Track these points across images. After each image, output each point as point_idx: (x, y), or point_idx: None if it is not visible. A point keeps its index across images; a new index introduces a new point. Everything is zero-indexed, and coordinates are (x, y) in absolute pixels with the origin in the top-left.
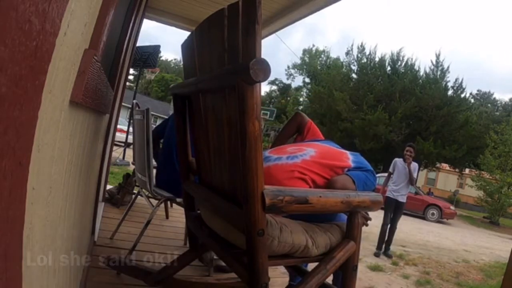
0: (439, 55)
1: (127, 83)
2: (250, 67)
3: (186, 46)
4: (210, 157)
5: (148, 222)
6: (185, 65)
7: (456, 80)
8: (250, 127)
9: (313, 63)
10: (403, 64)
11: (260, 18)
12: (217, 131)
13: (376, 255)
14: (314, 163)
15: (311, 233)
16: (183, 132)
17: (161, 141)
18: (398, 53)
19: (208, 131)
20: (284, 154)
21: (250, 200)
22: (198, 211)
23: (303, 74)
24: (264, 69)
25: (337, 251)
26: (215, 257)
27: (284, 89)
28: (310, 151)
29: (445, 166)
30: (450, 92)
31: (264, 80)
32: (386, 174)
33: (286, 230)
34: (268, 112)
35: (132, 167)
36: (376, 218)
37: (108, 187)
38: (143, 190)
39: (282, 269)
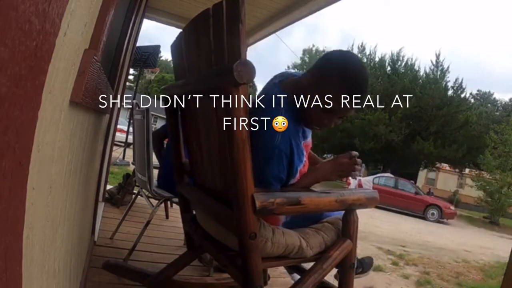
0: (439, 55)
1: (127, 83)
2: (234, 69)
3: (175, 47)
4: (202, 159)
5: (148, 222)
6: (175, 65)
7: (456, 80)
8: (237, 130)
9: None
10: (403, 64)
11: (244, 18)
12: (207, 133)
13: None
14: None
15: (302, 235)
16: (176, 134)
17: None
18: (398, 53)
19: (199, 133)
20: None
21: (241, 204)
22: (194, 213)
23: None
24: (249, 70)
25: (333, 249)
26: None
27: None
28: None
29: (445, 166)
30: (450, 92)
31: (249, 82)
32: (386, 174)
33: (278, 232)
34: None
35: (132, 167)
36: (374, 218)
37: (108, 187)
38: (143, 190)
39: (282, 269)
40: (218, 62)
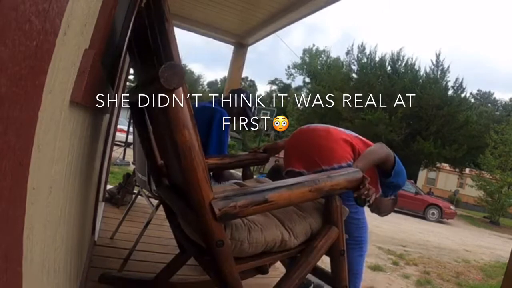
0: (439, 55)
1: (127, 83)
2: (160, 75)
3: (130, 50)
4: (169, 162)
5: (148, 222)
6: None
7: (456, 80)
8: (180, 137)
9: (313, 63)
10: (403, 64)
11: (168, 15)
12: (162, 140)
13: None
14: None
15: (287, 223)
16: (146, 138)
17: None
18: (398, 53)
19: (160, 137)
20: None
21: (200, 213)
22: None
23: (303, 74)
24: (177, 72)
25: (317, 240)
26: None
27: (284, 89)
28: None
29: (445, 166)
30: (450, 92)
31: (180, 85)
32: None
33: (256, 229)
34: (268, 112)
35: (132, 167)
36: (375, 218)
37: (108, 187)
38: (143, 190)
39: (282, 269)
40: (159, 64)
